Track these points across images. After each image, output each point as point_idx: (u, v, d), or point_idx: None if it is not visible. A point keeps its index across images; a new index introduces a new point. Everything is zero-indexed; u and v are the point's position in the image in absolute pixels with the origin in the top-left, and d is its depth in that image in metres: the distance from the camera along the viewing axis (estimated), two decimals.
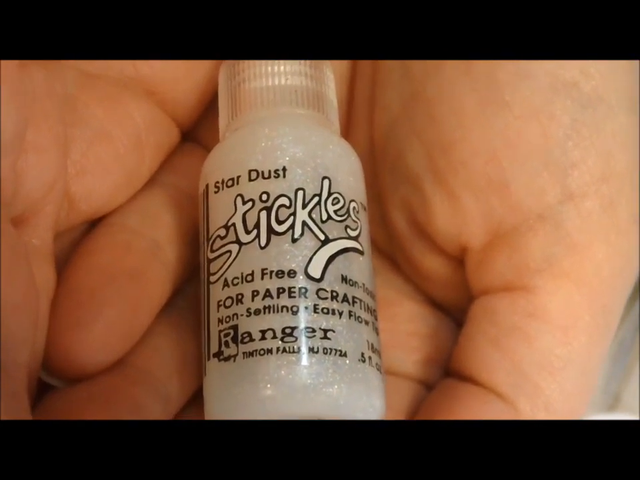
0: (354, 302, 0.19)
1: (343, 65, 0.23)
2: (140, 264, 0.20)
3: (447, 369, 0.22)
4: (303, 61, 0.21)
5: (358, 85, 0.23)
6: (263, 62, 0.21)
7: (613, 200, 0.19)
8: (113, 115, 0.21)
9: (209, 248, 0.20)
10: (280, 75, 0.21)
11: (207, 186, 0.20)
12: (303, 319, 0.18)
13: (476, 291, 0.21)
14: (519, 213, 0.19)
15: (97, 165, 0.21)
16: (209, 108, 0.23)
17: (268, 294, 0.18)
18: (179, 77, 0.22)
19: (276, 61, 0.21)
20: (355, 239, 0.19)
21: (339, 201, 0.19)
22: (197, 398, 0.21)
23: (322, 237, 0.19)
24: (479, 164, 0.20)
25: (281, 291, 0.18)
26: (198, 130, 0.24)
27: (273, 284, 0.19)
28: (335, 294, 0.19)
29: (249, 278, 0.19)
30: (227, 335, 0.19)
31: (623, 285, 0.20)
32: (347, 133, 0.23)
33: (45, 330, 0.18)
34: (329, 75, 0.22)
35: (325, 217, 0.19)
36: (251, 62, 0.21)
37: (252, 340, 0.19)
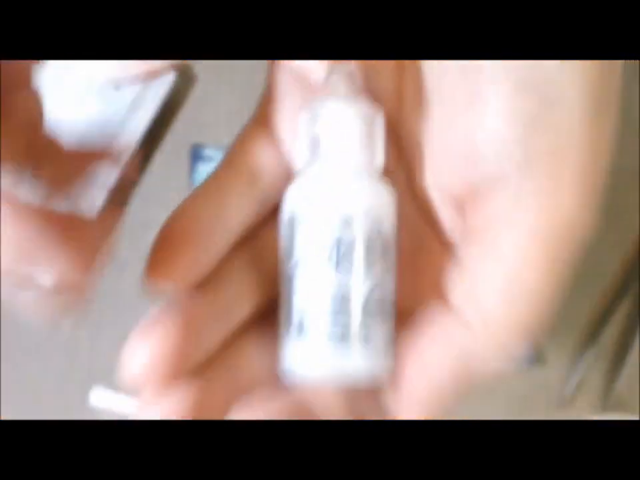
0: (383, 307, 0.25)
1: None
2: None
3: None
4: (362, 114, 0.26)
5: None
6: (336, 117, 0.25)
7: (558, 170, 0.24)
8: None
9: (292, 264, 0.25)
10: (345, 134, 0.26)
11: (292, 215, 0.25)
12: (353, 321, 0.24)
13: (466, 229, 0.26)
14: (486, 178, 0.24)
15: None
16: None
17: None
18: None
19: (345, 118, 0.26)
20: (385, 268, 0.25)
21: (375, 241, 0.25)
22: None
23: (363, 267, 0.24)
24: (462, 146, 0.25)
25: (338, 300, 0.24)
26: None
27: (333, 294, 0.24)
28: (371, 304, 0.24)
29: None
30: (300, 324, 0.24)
31: (570, 235, 0.24)
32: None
33: None
34: (381, 123, 0.26)
35: (367, 253, 0.24)
36: (327, 115, 0.25)
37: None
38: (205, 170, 0.51)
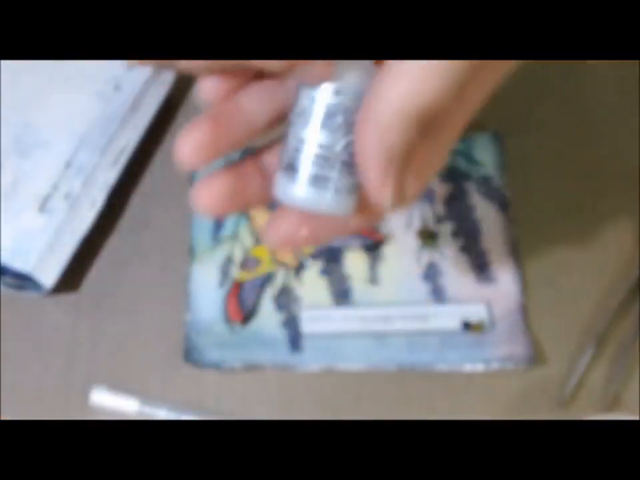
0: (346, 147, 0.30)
1: None
2: None
3: None
4: None
5: None
6: None
7: None
8: None
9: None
10: None
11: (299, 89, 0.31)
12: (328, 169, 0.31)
13: None
14: None
15: None
16: None
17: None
18: None
19: None
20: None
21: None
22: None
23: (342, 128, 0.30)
24: None
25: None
26: None
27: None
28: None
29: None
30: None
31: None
32: None
33: None
34: None
35: (346, 118, 0.30)
36: None
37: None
38: (205, 170, 0.51)
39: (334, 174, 0.30)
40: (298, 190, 0.30)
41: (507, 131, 0.51)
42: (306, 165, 0.30)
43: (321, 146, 0.30)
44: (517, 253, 0.48)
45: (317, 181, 0.30)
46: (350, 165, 0.30)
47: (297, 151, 0.31)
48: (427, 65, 0.27)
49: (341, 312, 0.47)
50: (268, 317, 0.47)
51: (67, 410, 0.45)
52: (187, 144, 0.31)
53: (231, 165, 0.32)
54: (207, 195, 0.32)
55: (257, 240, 0.50)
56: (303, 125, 0.30)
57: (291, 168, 0.31)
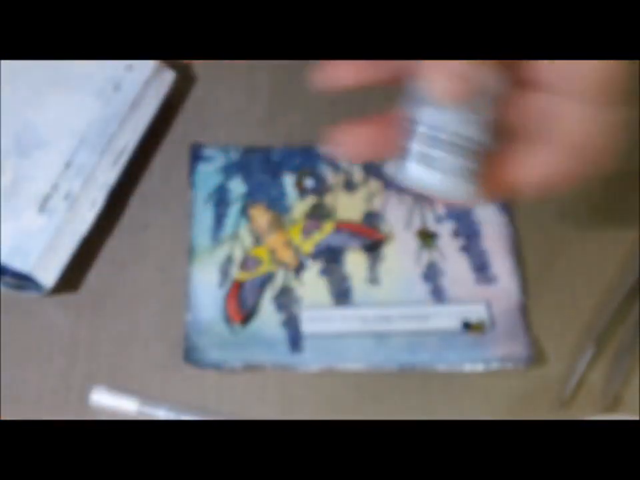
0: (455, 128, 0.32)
1: None
2: None
3: None
4: None
5: None
6: None
7: None
8: None
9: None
10: None
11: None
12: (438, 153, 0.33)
13: None
14: None
15: None
16: None
17: None
18: None
19: None
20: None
21: None
22: None
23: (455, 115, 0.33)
24: None
25: None
26: None
27: None
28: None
29: None
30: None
31: None
32: None
33: None
34: None
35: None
36: None
37: None
38: (204, 170, 0.51)
39: (442, 154, 0.32)
40: (408, 168, 0.32)
41: None
42: (415, 144, 0.32)
43: (429, 126, 0.32)
44: (517, 253, 0.48)
45: (425, 159, 0.32)
46: (459, 147, 0.32)
47: (408, 130, 0.32)
48: None
49: (340, 312, 0.47)
50: (268, 317, 0.47)
51: (67, 410, 0.45)
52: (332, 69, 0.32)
53: (369, 117, 0.34)
54: (348, 141, 0.34)
55: (257, 240, 0.50)
56: (412, 106, 0.32)
57: (402, 147, 0.32)
